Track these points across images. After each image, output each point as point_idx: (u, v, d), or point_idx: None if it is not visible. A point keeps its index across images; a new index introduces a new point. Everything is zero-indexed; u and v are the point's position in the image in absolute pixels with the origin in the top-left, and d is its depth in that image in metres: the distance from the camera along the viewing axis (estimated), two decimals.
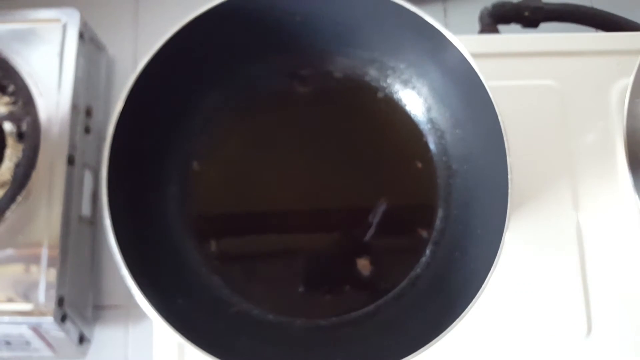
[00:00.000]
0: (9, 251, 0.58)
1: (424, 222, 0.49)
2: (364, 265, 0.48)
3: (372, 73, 0.52)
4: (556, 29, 0.64)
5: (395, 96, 0.52)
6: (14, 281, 0.58)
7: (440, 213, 0.50)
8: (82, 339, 0.63)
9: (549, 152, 0.55)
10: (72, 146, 0.62)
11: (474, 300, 0.39)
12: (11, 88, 0.63)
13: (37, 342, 0.60)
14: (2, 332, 0.59)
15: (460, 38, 0.44)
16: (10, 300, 0.57)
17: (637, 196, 0.49)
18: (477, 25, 0.64)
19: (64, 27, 0.65)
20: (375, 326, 0.46)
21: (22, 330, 0.58)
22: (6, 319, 0.57)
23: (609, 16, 0.65)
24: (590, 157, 0.55)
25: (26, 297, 0.57)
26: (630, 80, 0.51)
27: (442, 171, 0.50)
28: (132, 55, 0.75)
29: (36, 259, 0.58)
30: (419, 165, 0.51)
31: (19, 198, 0.59)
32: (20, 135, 0.62)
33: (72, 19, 0.66)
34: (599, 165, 0.55)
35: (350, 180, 0.50)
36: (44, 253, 0.58)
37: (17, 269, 0.58)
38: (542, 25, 0.65)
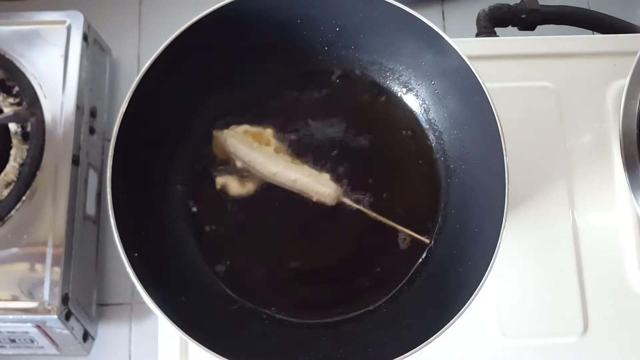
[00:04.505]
0: (14, 250, 0.59)
1: (422, 221, 0.50)
2: (403, 238, 0.49)
3: (372, 75, 0.53)
4: (553, 32, 0.64)
5: (394, 97, 0.53)
6: (19, 279, 0.59)
7: (438, 212, 0.50)
8: (86, 337, 0.64)
9: (546, 153, 0.56)
10: (77, 147, 0.63)
11: (471, 298, 0.40)
12: (16, 89, 0.64)
13: (41, 340, 0.61)
14: (7, 329, 0.60)
15: (458, 41, 0.44)
16: (15, 298, 0.58)
17: (632, 195, 0.50)
18: (474, 28, 0.64)
19: (68, 30, 0.66)
20: (375, 323, 0.47)
21: (27, 327, 0.59)
22: (11, 316, 0.58)
23: (605, 18, 0.66)
24: (587, 157, 0.55)
25: (31, 295, 0.58)
26: (626, 81, 0.51)
27: (440, 171, 0.51)
28: (136, 57, 0.76)
29: (41, 258, 0.59)
30: (418, 164, 0.52)
31: (24, 198, 0.60)
32: (25, 136, 0.63)
33: (76, 22, 0.67)
34: (595, 165, 0.55)
35: (349, 181, 0.50)
36: (49, 252, 0.59)
37: (22, 267, 0.59)
38: (539, 28, 0.66)
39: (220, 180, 0.50)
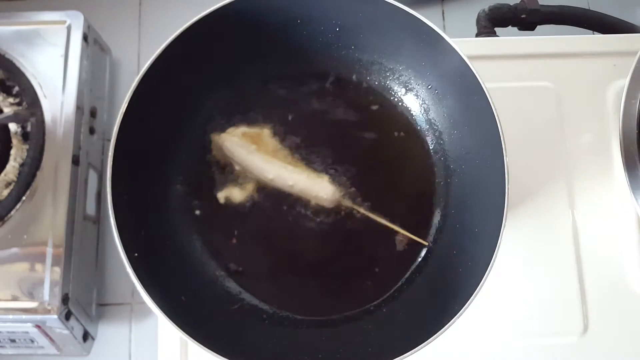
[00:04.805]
0: (14, 250, 0.59)
1: (422, 222, 0.50)
2: (400, 240, 0.49)
3: (372, 75, 0.53)
4: (553, 32, 0.64)
5: (394, 97, 0.53)
6: (19, 279, 0.59)
7: (438, 212, 0.50)
8: (86, 336, 0.64)
9: (546, 152, 0.56)
10: (77, 147, 0.63)
11: (471, 298, 0.40)
12: (16, 89, 0.65)
13: (41, 340, 0.61)
14: (7, 329, 0.60)
15: (458, 41, 0.44)
16: (15, 298, 0.58)
17: (632, 195, 0.50)
18: (474, 28, 0.64)
19: (68, 30, 0.66)
20: (375, 323, 0.47)
21: (27, 327, 0.59)
22: (11, 316, 0.58)
23: (605, 18, 0.66)
24: (586, 157, 0.55)
25: (31, 295, 0.58)
26: (626, 81, 0.51)
27: (440, 171, 0.51)
28: (136, 57, 0.76)
29: (41, 258, 0.59)
30: (417, 165, 0.52)
31: (24, 198, 0.60)
32: (25, 136, 0.63)
33: (76, 22, 0.67)
34: (595, 165, 0.55)
35: (348, 182, 0.50)
36: (49, 252, 0.59)
37: (22, 267, 0.59)
38: (539, 28, 0.66)
39: (221, 195, 0.50)
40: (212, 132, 0.51)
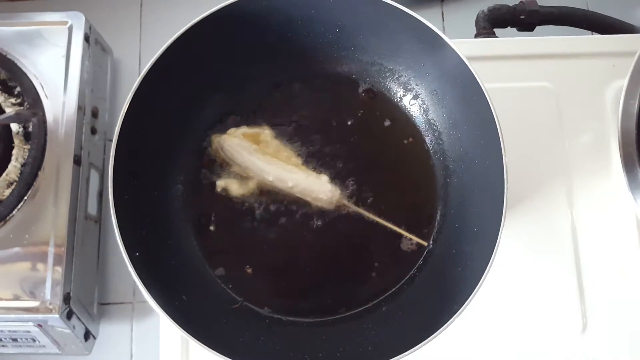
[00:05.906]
0: (16, 249, 0.59)
1: (421, 221, 0.50)
2: (402, 239, 0.50)
3: (372, 75, 0.53)
4: (552, 32, 0.64)
5: (393, 98, 0.53)
6: (20, 279, 0.59)
7: (437, 212, 0.50)
8: (87, 336, 0.64)
9: (545, 152, 0.56)
10: (79, 146, 0.63)
11: (470, 297, 0.40)
12: (18, 89, 0.65)
13: (43, 339, 0.61)
14: (8, 328, 0.60)
15: (457, 41, 0.45)
16: (16, 297, 0.58)
17: (631, 195, 0.50)
18: (474, 29, 0.64)
19: (70, 30, 0.66)
20: (374, 322, 0.47)
21: (29, 327, 0.59)
22: (13, 316, 0.58)
23: (604, 18, 0.66)
24: (585, 157, 0.56)
25: (32, 295, 0.58)
26: (625, 81, 0.51)
27: (439, 171, 0.51)
28: (137, 58, 0.76)
29: (43, 257, 0.59)
30: (417, 165, 0.52)
31: (26, 197, 0.60)
32: (27, 136, 0.63)
33: (77, 22, 0.67)
34: (594, 165, 0.56)
35: (348, 181, 0.51)
36: (51, 251, 0.59)
37: (23, 266, 0.59)
38: (538, 28, 0.66)
39: (220, 184, 0.50)
40: (212, 133, 0.52)
